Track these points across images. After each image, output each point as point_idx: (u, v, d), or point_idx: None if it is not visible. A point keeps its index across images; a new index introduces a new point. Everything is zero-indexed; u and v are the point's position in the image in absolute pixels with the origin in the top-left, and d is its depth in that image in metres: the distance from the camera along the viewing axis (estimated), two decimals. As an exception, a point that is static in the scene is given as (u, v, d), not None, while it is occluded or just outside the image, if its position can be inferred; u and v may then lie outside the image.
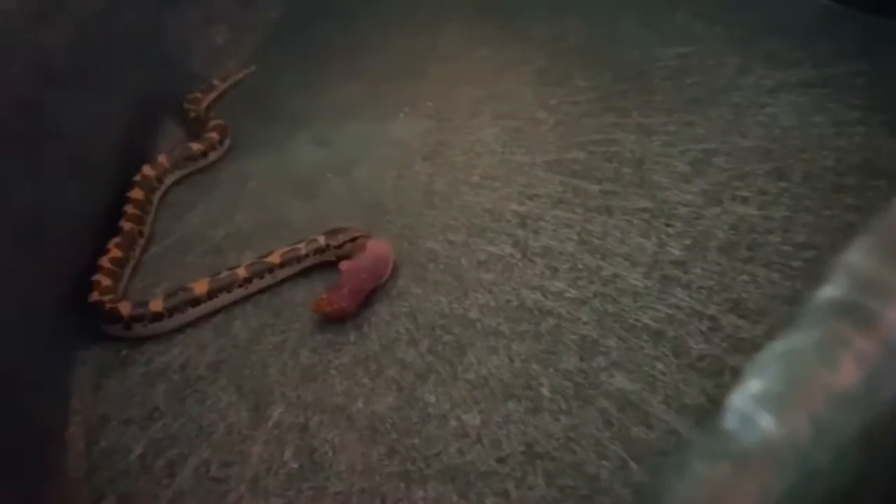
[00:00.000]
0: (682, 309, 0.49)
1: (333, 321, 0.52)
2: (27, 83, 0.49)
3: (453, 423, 0.44)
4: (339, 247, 0.55)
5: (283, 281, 0.56)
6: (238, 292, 0.54)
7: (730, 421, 0.19)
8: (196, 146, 0.66)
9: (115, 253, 0.56)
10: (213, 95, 0.75)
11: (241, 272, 0.54)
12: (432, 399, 0.46)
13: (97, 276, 0.53)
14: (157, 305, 0.52)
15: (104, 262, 0.55)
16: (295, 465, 0.44)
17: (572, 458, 0.41)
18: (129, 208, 0.59)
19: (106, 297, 0.52)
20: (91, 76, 0.57)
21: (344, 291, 0.51)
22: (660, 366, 0.45)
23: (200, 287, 0.53)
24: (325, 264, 0.56)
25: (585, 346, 0.47)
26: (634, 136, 0.63)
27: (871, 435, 0.19)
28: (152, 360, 0.51)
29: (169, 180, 0.65)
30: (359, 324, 0.52)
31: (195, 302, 0.53)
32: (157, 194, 0.63)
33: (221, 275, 0.54)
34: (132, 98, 0.64)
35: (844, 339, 0.20)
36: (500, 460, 0.42)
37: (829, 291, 0.22)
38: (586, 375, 0.46)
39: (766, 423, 0.18)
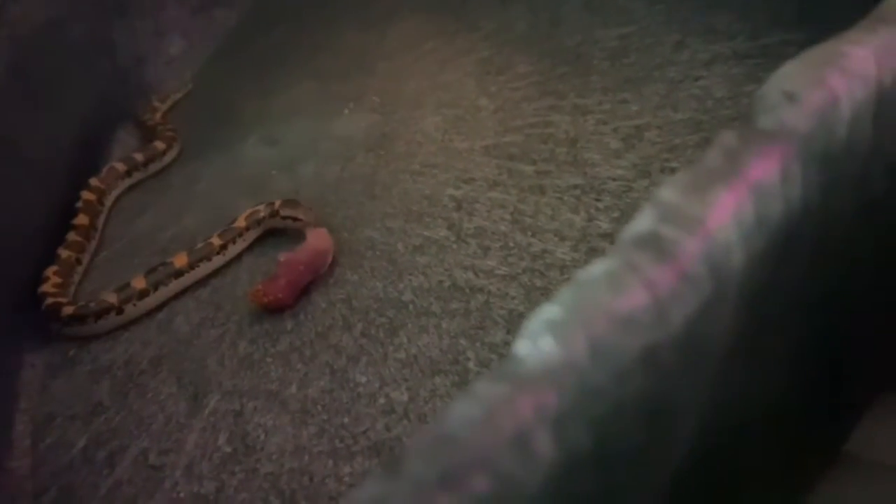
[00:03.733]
0: (609, 279, 0.49)
1: (271, 312, 0.53)
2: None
3: (381, 400, 0.45)
4: (287, 218, 0.57)
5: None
6: (217, 260, 0.57)
7: (520, 346, 0.20)
8: (139, 155, 0.68)
9: (65, 257, 0.57)
10: (164, 107, 0.76)
11: (216, 241, 0.56)
12: (363, 379, 0.47)
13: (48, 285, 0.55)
14: (140, 283, 0.54)
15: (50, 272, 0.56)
16: (228, 450, 0.45)
17: (494, 427, 0.42)
18: (76, 222, 0.61)
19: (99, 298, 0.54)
20: (36, 89, 0.58)
21: (281, 283, 0.52)
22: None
23: (181, 260, 0.55)
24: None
25: (512, 319, 0.48)
26: (570, 117, 0.64)
27: (656, 355, 0.20)
28: (98, 357, 0.53)
29: (117, 191, 0.66)
30: (296, 313, 0.53)
31: (178, 274, 0.55)
32: (105, 206, 0.65)
33: (198, 246, 0.56)
34: (83, 110, 0.66)
35: (637, 267, 0.21)
36: (425, 433, 0.43)
37: (636, 225, 0.22)
38: (509, 347, 0.46)
39: (548, 345, 0.19)
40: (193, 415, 0.47)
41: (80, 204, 0.61)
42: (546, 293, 0.49)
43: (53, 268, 0.56)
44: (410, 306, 0.51)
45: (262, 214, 0.58)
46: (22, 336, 0.54)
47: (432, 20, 0.82)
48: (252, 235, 0.58)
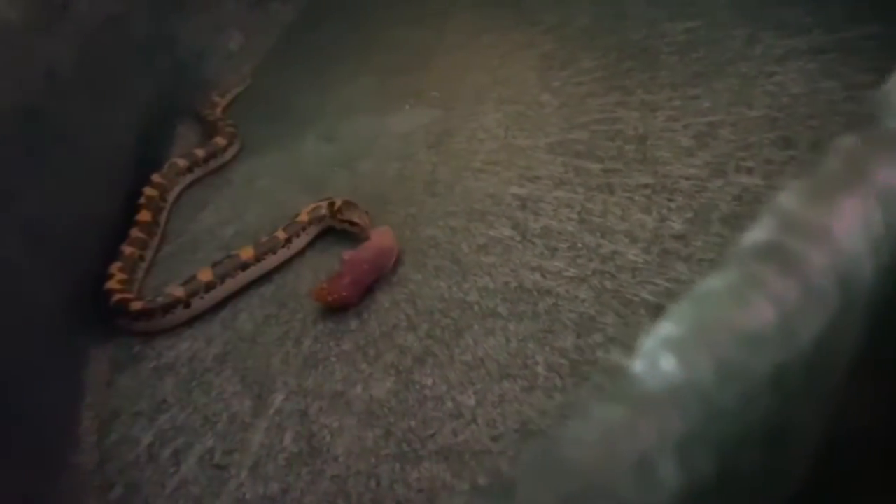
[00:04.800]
0: (682, 282, 0.48)
1: (335, 310, 0.52)
2: (31, 91, 0.51)
3: (449, 404, 0.44)
4: (345, 221, 0.57)
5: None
6: (282, 253, 0.57)
7: (636, 365, 0.19)
8: (200, 152, 0.68)
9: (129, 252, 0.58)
10: (224, 102, 0.76)
11: (280, 234, 0.57)
12: (429, 382, 0.46)
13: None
14: (206, 275, 0.54)
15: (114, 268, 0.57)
16: (294, 450, 0.44)
17: (566, 435, 0.41)
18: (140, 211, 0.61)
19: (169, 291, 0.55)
20: (98, 83, 0.58)
21: (345, 281, 0.51)
22: (658, 339, 0.45)
23: (247, 253, 0.55)
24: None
25: (582, 323, 0.47)
26: (638, 114, 0.62)
27: (784, 376, 0.19)
28: (162, 354, 0.53)
29: (178, 187, 0.66)
30: (360, 311, 0.52)
31: (244, 266, 0.55)
32: (168, 202, 0.65)
33: (263, 239, 0.56)
34: (145, 105, 0.66)
35: (761, 281, 0.19)
36: (495, 439, 0.42)
37: (755, 234, 0.21)
38: (582, 352, 0.45)
39: (669, 365, 0.18)
40: (258, 414, 0.47)
41: (142, 200, 0.61)
42: (617, 296, 0.48)
43: (118, 264, 0.56)
44: (476, 307, 0.50)
45: (323, 212, 0.57)
46: (88, 331, 0.54)
47: (490, 14, 0.81)
48: (314, 231, 0.58)
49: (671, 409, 0.17)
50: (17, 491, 0.41)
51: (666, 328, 0.19)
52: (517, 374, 0.45)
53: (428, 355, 0.48)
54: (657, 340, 0.19)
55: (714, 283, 0.20)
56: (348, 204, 0.57)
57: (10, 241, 0.47)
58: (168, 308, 0.53)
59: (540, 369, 0.45)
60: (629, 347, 0.45)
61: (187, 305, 0.53)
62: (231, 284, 0.55)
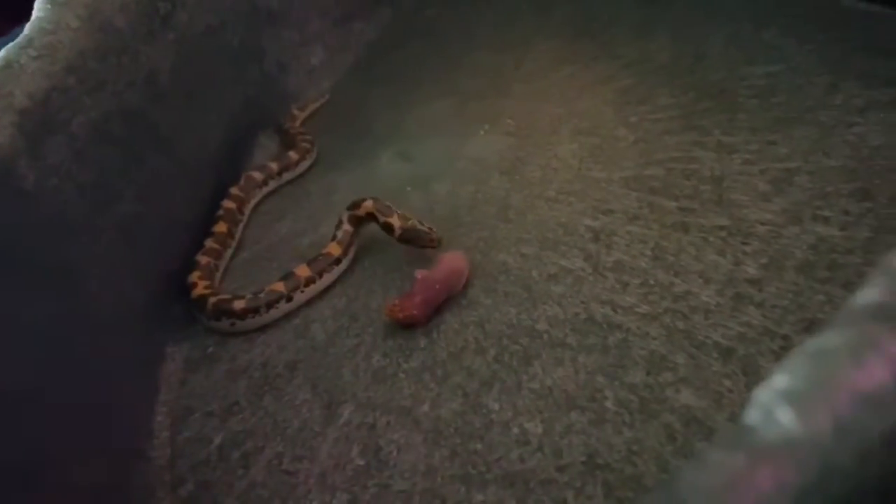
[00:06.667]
0: (755, 327, 0.48)
1: (404, 327, 0.53)
2: (134, 95, 0.53)
3: (515, 430, 0.45)
4: (414, 241, 0.58)
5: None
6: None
7: (752, 416, 0.19)
8: (274, 165, 0.70)
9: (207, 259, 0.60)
10: (303, 116, 0.78)
11: (348, 227, 0.60)
12: (496, 406, 0.47)
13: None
14: (304, 271, 0.57)
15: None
16: (361, 463, 0.45)
17: (633, 471, 0.41)
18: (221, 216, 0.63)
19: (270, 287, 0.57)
20: (192, 91, 0.61)
21: (416, 299, 0.53)
22: (728, 383, 0.45)
23: (335, 249, 0.58)
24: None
25: (653, 361, 0.47)
26: (715, 155, 0.62)
27: (899, 437, 0.19)
28: (236, 357, 0.54)
29: (254, 199, 0.68)
30: (429, 331, 0.53)
31: (337, 261, 0.58)
32: (245, 214, 0.67)
33: (339, 236, 0.59)
34: (231, 114, 0.68)
35: (875, 341, 0.20)
36: (560, 469, 0.42)
37: (867, 294, 0.21)
38: (652, 390, 0.45)
39: (787, 418, 0.19)
40: (327, 423, 0.48)
41: (221, 212, 0.63)
42: (689, 336, 0.48)
43: (197, 273, 0.58)
44: (545, 336, 0.51)
45: (399, 227, 0.58)
46: (165, 329, 0.56)
47: (570, 46, 0.82)
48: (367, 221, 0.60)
49: (788, 461, 0.18)
50: (97, 480, 0.43)
51: (782, 381, 0.20)
52: (585, 406, 0.45)
53: (495, 380, 0.48)
54: (773, 392, 0.19)
55: (829, 340, 0.20)
56: (421, 229, 0.58)
57: (109, 238, 0.49)
58: (271, 304, 0.55)
59: (609, 403, 0.45)
60: (699, 389, 0.45)
61: (289, 299, 0.56)
62: (327, 279, 0.58)
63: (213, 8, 0.64)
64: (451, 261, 0.55)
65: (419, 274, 0.54)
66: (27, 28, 0.48)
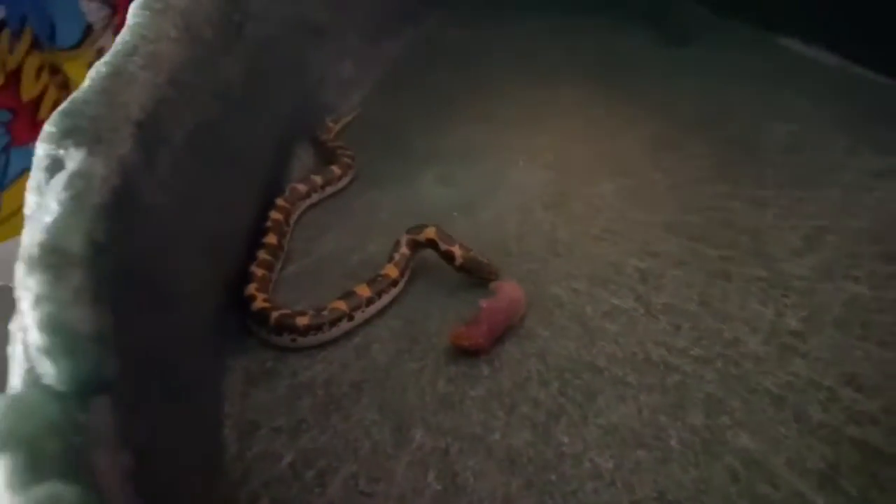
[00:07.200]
0: (801, 378, 0.52)
1: (467, 354, 0.55)
2: (215, 107, 0.53)
3: (587, 464, 0.48)
4: (473, 271, 0.61)
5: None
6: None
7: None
8: (318, 178, 0.71)
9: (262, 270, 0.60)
10: (337, 129, 0.79)
11: (405, 251, 0.61)
12: (566, 439, 0.49)
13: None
14: (365, 291, 0.58)
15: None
16: (438, 487, 0.47)
17: (703, 510, 0.44)
18: (269, 227, 0.64)
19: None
20: (256, 102, 0.61)
21: (482, 328, 0.54)
22: (782, 429, 0.48)
23: (392, 271, 0.60)
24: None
25: (711, 404, 0.50)
26: (749, 207, 0.66)
27: None
28: (297, 373, 0.55)
29: (298, 211, 0.69)
30: (491, 359, 0.55)
31: (395, 283, 0.60)
32: (290, 225, 0.68)
33: (396, 258, 0.61)
34: (280, 124, 0.69)
35: None
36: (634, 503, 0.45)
37: None
38: (712, 432, 0.49)
39: None
40: (400, 446, 0.50)
41: (269, 223, 0.64)
42: (742, 382, 0.52)
43: (254, 285, 0.58)
44: (605, 373, 0.53)
45: (460, 256, 0.60)
46: (227, 341, 0.56)
47: (600, 87, 0.85)
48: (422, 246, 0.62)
49: None
50: (184, 491, 0.43)
51: None
52: (651, 445, 0.48)
53: (562, 413, 0.51)
54: None
55: None
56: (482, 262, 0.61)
57: (190, 247, 0.49)
58: (334, 322, 0.56)
59: (673, 443, 0.48)
60: (756, 433, 0.48)
61: (350, 318, 0.57)
62: (385, 300, 0.59)
63: (273, 19, 0.64)
64: (511, 291, 0.57)
65: (484, 303, 0.56)
66: (126, 33, 0.48)
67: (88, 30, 0.87)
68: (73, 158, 0.38)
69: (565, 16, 0.97)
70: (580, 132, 0.78)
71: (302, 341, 0.56)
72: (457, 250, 0.60)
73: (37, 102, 0.87)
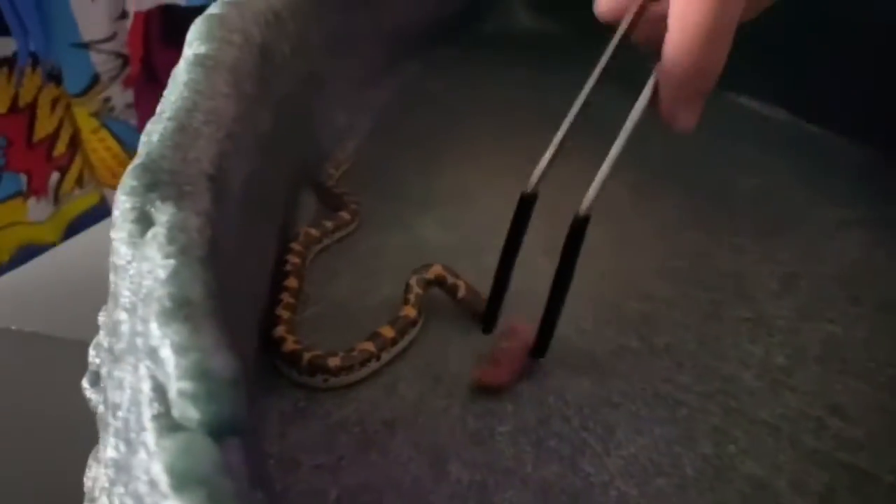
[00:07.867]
0: (793, 409, 0.58)
1: (490, 392, 0.59)
2: (256, 157, 0.56)
3: (613, 492, 0.52)
4: (475, 306, 0.65)
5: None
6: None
7: None
8: (329, 223, 0.73)
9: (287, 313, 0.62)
10: (337, 175, 0.82)
11: (419, 290, 0.64)
12: (592, 470, 0.53)
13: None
14: (389, 332, 0.61)
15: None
16: (482, 520, 0.50)
17: (724, 530, 0.49)
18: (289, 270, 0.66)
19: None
20: (279, 150, 0.64)
21: (507, 368, 0.58)
22: (782, 456, 0.54)
23: (410, 311, 0.63)
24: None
25: (717, 434, 0.56)
26: (728, 252, 0.73)
27: None
28: (330, 413, 0.57)
29: (311, 255, 0.72)
30: (513, 397, 0.59)
31: (414, 323, 0.63)
32: (306, 268, 0.70)
33: (411, 299, 0.64)
34: (292, 169, 0.72)
35: None
36: (661, 528, 0.50)
37: None
38: (721, 460, 0.54)
39: None
40: (438, 480, 0.53)
41: (289, 267, 0.66)
42: (742, 414, 0.57)
43: (283, 327, 0.60)
44: (621, 408, 0.58)
45: (463, 289, 0.64)
46: (258, 382, 0.58)
47: (577, 140, 0.91)
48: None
49: None
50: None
51: None
52: (670, 473, 0.53)
53: (585, 446, 0.55)
54: None
55: None
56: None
57: (241, 294, 0.51)
58: (364, 362, 0.58)
59: (688, 470, 0.53)
60: (759, 459, 0.54)
61: (378, 358, 0.59)
62: (406, 340, 0.62)
63: (290, 72, 0.67)
64: (526, 330, 0.61)
65: (504, 343, 0.60)
66: (183, 90, 0.50)
67: (95, 79, 0.88)
68: (163, 212, 0.41)
69: (540, 73, 1.03)
70: (561, 184, 0.83)
71: (333, 381, 0.58)
72: (461, 284, 0.64)
73: (52, 138, 0.87)
